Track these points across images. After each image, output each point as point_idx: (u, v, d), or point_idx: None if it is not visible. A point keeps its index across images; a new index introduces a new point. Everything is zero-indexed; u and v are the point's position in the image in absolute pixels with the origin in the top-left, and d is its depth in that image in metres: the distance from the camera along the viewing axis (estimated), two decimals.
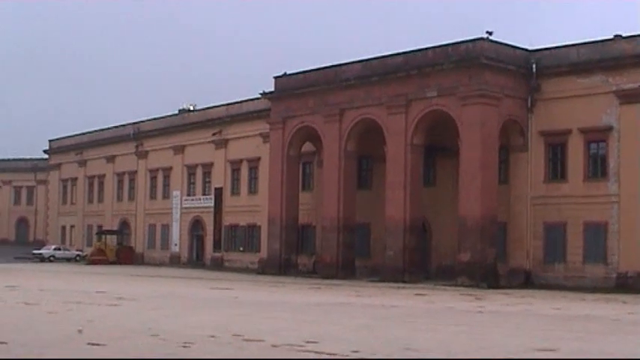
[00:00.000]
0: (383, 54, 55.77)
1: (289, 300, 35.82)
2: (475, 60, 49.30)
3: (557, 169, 50.51)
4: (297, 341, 19.12)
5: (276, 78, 63.03)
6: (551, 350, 19.07)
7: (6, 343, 17.92)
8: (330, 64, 59.07)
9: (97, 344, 17.95)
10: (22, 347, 17.53)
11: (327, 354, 17.28)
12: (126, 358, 16.51)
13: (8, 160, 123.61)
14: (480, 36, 50.13)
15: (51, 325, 22.55)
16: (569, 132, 49.28)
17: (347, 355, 17.25)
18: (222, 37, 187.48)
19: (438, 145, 54.28)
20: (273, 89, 63.07)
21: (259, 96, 65.41)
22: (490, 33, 50.09)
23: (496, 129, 49.62)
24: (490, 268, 48.42)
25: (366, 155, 59.11)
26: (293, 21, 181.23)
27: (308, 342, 19.01)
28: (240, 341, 19.22)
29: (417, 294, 40.96)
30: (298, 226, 62.22)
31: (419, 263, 52.92)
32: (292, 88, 61.03)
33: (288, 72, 62.42)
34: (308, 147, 62.82)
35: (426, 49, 52.88)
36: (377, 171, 58.46)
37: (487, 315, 29.47)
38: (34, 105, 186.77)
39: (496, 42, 50.52)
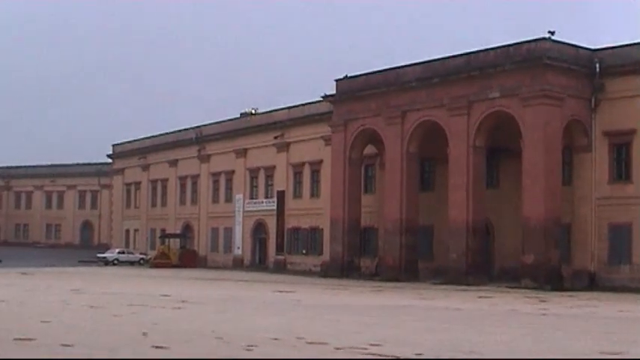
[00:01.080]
0: (444, 55, 55.97)
1: (352, 303, 35.79)
2: (537, 60, 49.21)
3: (621, 170, 50.13)
4: (360, 344, 18.99)
5: (337, 81, 63.40)
6: (617, 354, 18.79)
7: (72, 345, 18.00)
8: (391, 66, 59.47)
9: (162, 347, 18.00)
10: (88, 349, 17.57)
11: (391, 356, 17.15)
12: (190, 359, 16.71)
13: (72, 164, 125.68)
14: (542, 36, 50.02)
15: (116, 327, 22.61)
16: (633, 132, 48.91)
17: (411, 358, 17.15)
18: (284, 40, 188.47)
19: (500, 147, 54.20)
20: (334, 92, 63.48)
21: (321, 99, 65.89)
22: (552, 33, 49.92)
23: (559, 129, 49.48)
24: (554, 270, 48.28)
25: (428, 157, 59.24)
26: (354, 23, 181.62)
27: (371, 345, 18.81)
28: (303, 344, 19.18)
29: (480, 296, 40.82)
30: (360, 228, 62.44)
31: (482, 265, 52.86)
32: (354, 91, 61.41)
33: (349, 75, 62.76)
34: (370, 149, 63.15)
35: (488, 49, 52.91)
36: (439, 173, 58.57)
37: (551, 317, 29.21)
38: (97, 110, 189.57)
39: (558, 42, 50.34)
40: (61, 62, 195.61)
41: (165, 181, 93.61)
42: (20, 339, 18.92)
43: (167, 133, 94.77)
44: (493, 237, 56.06)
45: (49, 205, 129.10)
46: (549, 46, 49.82)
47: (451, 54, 55.45)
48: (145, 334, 20.55)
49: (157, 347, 17.91)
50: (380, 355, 17.24)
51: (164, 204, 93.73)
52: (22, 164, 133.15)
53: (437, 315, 29.45)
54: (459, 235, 52.54)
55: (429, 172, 61.20)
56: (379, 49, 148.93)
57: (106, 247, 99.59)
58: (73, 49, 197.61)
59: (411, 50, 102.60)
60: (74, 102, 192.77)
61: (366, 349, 18.24)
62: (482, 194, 53.21)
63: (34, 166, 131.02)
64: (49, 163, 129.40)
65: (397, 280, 54.76)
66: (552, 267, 48.29)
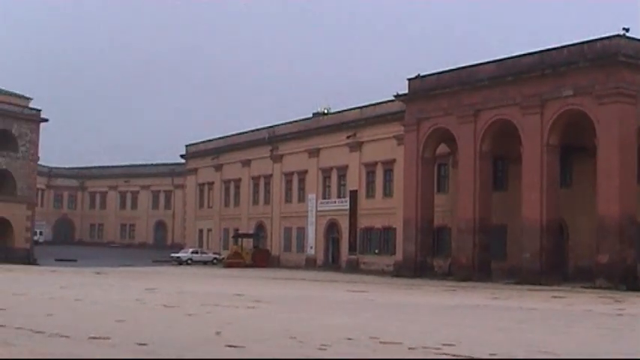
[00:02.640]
0: (517, 53, 56.27)
1: (425, 302, 35.73)
2: (612, 57, 49.22)
3: None
4: (433, 344, 19.01)
5: (409, 80, 63.86)
6: None
7: (146, 344, 18.21)
8: (464, 64, 59.87)
9: (236, 346, 18.08)
10: (162, 348, 17.81)
11: (464, 357, 17.23)
12: (266, 359, 16.89)
13: (146, 165, 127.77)
14: (616, 33, 49.94)
15: (190, 326, 22.77)
16: None
17: (485, 358, 17.25)
18: (355, 40, 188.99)
19: (574, 145, 54.22)
20: (406, 91, 63.95)
21: (393, 98, 66.34)
22: (627, 30, 49.84)
23: (634, 127, 49.41)
24: (629, 270, 48.25)
25: (502, 156, 59.51)
26: (426, 23, 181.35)
27: (444, 344, 18.86)
28: (376, 343, 19.18)
29: (554, 296, 40.53)
30: (433, 228, 62.92)
31: (556, 265, 52.91)
32: (426, 90, 61.87)
33: (421, 74, 63.18)
34: (442, 148, 63.53)
35: (561, 47, 53.03)
36: (512, 172, 58.73)
37: (627, 318, 29.02)
38: (171, 110, 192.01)
39: (633, 38, 50.25)
40: (133, 62, 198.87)
41: (238, 181, 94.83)
42: (95, 337, 19.23)
43: (240, 134, 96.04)
44: (567, 236, 56.07)
45: (123, 206, 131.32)
46: (624, 43, 49.75)
47: (524, 52, 55.78)
48: (218, 333, 20.75)
49: (231, 346, 18.11)
50: (454, 355, 17.41)
51: (237, 204, 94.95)
52: (97, 165, 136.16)
53: (510, 315, 29.36)
54: (532, 234, 52.76)
55: (502, 171, 61.34)
56: (450, 48, 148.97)
57: (180, 247, 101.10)
58: (145, 49, 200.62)
59: (483, 48, 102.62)
60: (147, 103, 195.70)
61: (439, 348, 18.34)
62: (556, 193, 53.35)
63: (108, 167, 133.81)
64: (123, 163, 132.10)
65: (470, 279, 55.07)
66: (628, 267, 48.30)
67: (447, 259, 62.71)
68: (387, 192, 71.94)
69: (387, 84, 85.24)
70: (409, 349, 18.43)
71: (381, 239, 72.12)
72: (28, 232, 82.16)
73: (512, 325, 25.17)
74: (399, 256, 65.64)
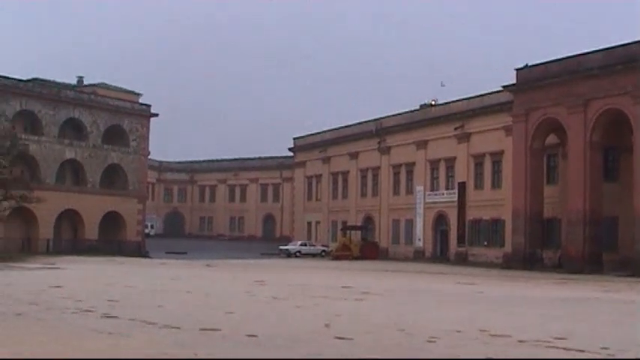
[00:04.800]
0: (626, 41, 55.71)
1: (534, 295, 35.69)
2: None
3: None
4: (544, 337, 19.03)
5: (517, 70, 63.90)
6: None
7: (256, 336, 18.46)
8: (572, 53, 59.56)
9: (344, 338, 18.22)
10: (272, 340, 17.99)
11: (576, 350, 17.18)
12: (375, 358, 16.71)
13: (255, 158, 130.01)
14: None
15: (299, 319, 22.95)
16: None
17: (597, 352, 17.05)
18: (461, 31, 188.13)
19: None
20: (514, 81, 63.96)
21: (501, 89, 66.44)
22: None
23: None
24: None
25: (612, 146, 59.05)
26: (533, 15, 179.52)
27: (555, 338, 18.85)
28: (486, 336, 19.20)
29: None
30: (543, 219, 62.74)
31: None
32: (534, 80, 61.78)
33: (529, 63, 63.12)
34: (552, 139, 63.28)
35: None
36: (624, 162, 58.28)
37: None
38: (280, 105, 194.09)
39: None
40: (243, 56, 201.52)
41: (345, 173, 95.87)
42: (206, 329, 19.60)
43: (347, 126, 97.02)
44: None
45: (232, 199, 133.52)
46: None
47: (633, 40, 55.16)
48: (327, 325, 20.91)
49: (339, 338, 18.28)
50: (565, 350, 17.40)
51: (345, 196, 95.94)
52: (206, 159, 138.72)
53: (622, 308, 29.25)
54: None
55: (613, 162, 60.72)
56: (558, 36, 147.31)
57: (288, 240, 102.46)
58: (253, 42, 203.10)
59: (589, 37, 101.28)
60: (256, 96, 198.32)
61: (550, 342, 18.35)
62: None
63: (217, 161, 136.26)
64: (232, 157, 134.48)
65: (581, 272, 54.75)
66: None
67: (556, 251, 62.38)
68: (496, 183, 72.00)
69: (495, 74, 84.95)
70: (519, 342, 18.49)
71: (490, 231, 72.24)
72: (140, 225, 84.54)
73: (624, 318, 25.08)
74: (508, 248, 65.80)
